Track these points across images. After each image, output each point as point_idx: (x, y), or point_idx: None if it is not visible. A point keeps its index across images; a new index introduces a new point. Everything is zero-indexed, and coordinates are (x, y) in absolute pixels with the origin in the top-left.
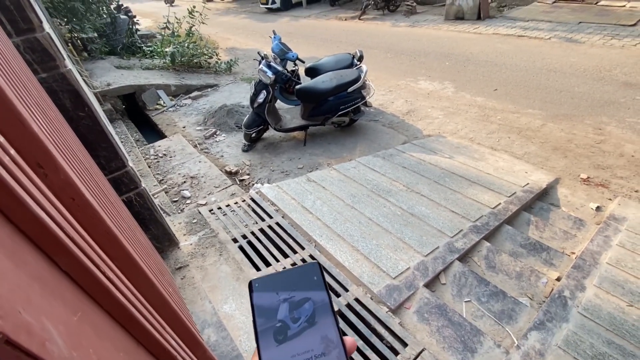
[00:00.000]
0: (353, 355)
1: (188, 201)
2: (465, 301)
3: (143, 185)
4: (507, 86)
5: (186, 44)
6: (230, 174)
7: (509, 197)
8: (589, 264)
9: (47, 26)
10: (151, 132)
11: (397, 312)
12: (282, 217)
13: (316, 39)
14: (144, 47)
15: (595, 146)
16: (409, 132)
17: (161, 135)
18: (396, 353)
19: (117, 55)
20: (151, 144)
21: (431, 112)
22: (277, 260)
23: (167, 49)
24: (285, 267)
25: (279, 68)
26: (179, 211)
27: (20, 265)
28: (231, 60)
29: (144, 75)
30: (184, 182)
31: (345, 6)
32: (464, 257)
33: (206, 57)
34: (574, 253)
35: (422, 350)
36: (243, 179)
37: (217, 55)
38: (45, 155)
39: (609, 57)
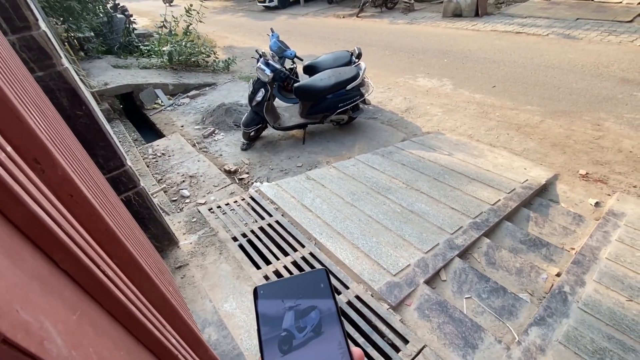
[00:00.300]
0: None
1: (187, 200)
2: (466, 297)
3: (142, 184)
4: (505, 83)
5: (184, 43)
6: (229, 172)
7: (509, 193)
8: (589, 260)
9: (43, 24)
10: (149, 131)
11: (398, 309)
12: (282, 215)
13: (314, 37)
14: (141, 46)
15: (594, 142)
16: (408, 130)
17: (159, 135)
18: (397, 350)
19: (114, 55)
20: (149, 144)
21: (430, 109)
22: (277, 259)
23: (164, 48)
24: (285, 265)
25: (277, 66)
26: (179, 210)
27: (17, 263)
28: (229, 58)
29: (141, 74)
30: (183, 181)
31: (343, 4)
32: (464, 254)
33: (204, 55)
34: (573, 249)
35: (424, 346)
36: (242, 178)
37: (214, 53)
38: (42, 152)
39: (606, 54)
